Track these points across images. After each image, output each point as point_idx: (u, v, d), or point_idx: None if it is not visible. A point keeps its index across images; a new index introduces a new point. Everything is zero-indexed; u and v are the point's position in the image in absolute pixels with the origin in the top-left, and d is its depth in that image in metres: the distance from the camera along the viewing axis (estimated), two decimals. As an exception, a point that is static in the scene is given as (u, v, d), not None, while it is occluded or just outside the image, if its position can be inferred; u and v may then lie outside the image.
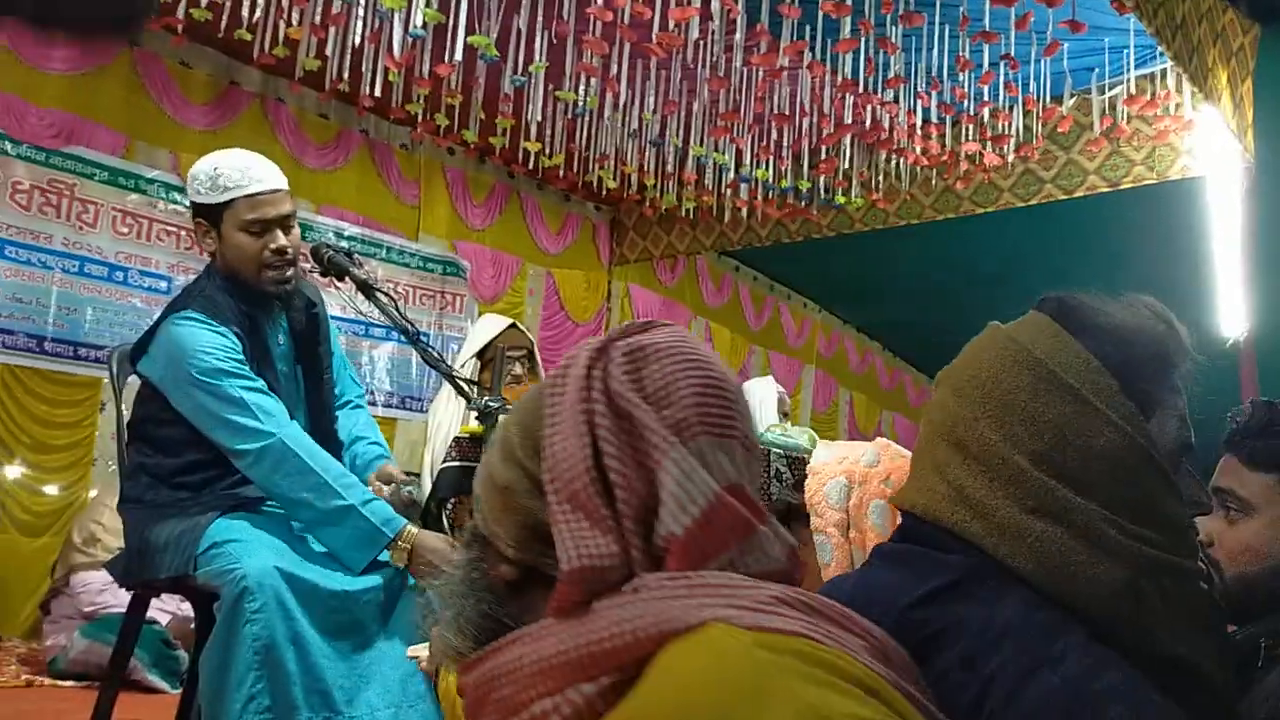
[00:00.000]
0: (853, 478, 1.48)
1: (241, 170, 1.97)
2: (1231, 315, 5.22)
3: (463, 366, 3.60)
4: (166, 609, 3.68)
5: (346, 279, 2.12)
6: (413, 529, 1.92)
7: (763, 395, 4.71)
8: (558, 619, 0.70)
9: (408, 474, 2.44)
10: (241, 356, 1.95)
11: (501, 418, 0.92)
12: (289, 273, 2.02)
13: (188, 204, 2.08)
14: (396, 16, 3.66)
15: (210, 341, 1.92)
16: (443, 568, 1.76)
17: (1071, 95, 4.94)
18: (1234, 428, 1.25)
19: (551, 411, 0.76)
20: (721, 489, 0.72)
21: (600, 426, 0.73)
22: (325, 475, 1.89)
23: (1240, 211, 4.93)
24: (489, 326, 3.73)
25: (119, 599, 3.41)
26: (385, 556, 1.92)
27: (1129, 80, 4.64)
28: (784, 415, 4.79)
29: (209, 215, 1.99)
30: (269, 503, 2.03)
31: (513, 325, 3.75)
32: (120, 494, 2.06)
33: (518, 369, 3.66)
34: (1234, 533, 1.20)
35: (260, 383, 1.96)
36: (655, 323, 0.81)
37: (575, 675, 0.67)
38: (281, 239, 1.99)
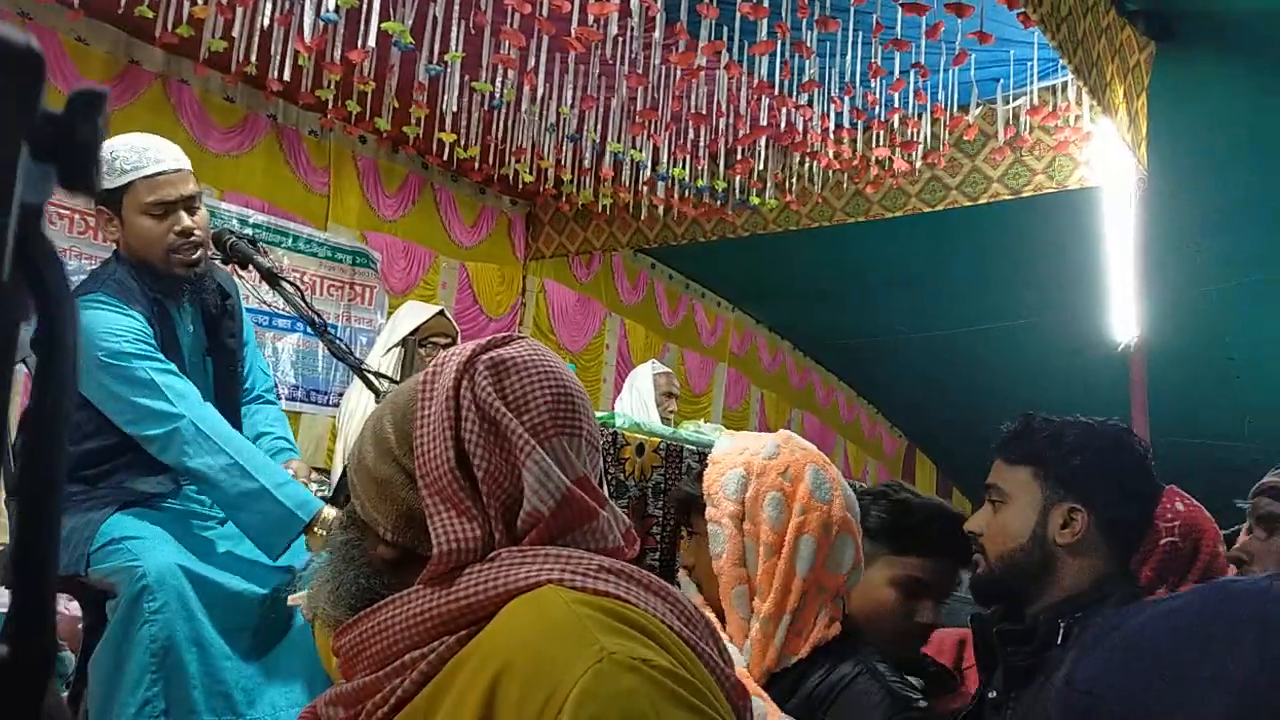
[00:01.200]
0: (751, 469, 1.49)
1: (139, 151, 1.89)
2: (1123, 321, 5.44)
3: (385, 355, 3.52)
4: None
5: (250, 267, 2.05)
6: (329, 512, 1.85)
7: (640, 384, 4.71)
8: (426, 586, 0.84)
9: (315, 469, 2.38)
10: (151, 340, 1.87)
11: (375, 409, 0.98)
12: (196, 255, 1.94)
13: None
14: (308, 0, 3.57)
15: (119, 324, 1.83)
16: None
17: (978, 105, 5.08)
18: (1001, 435, 1.47)
19: (422, 416, 0.89)
20: (571, 482, 0.87)
21: (469, 431, 0.87)
22: (238, 457, 1.82)
23: (1133, 221, 5.15)
24: (413, 314, 3.64)
25: (1, 599, 3.24)
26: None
27: (1032, 91, 4.80)
28: (669, 395, 4.74)
29: (108, 201, 1.89)
30: (169, 501, 1.95)
31: (440, 312, 3.68)
32: (5, 487, 1.96)
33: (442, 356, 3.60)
34: (996, 520, 1.42)
35: (171, 365, 1.88)
36: (513, 336, 0.96)
37: (439, 629, 0.82)
38: (186, 220, 1.90)
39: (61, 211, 4.72)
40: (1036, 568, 1.36)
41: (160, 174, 1.89)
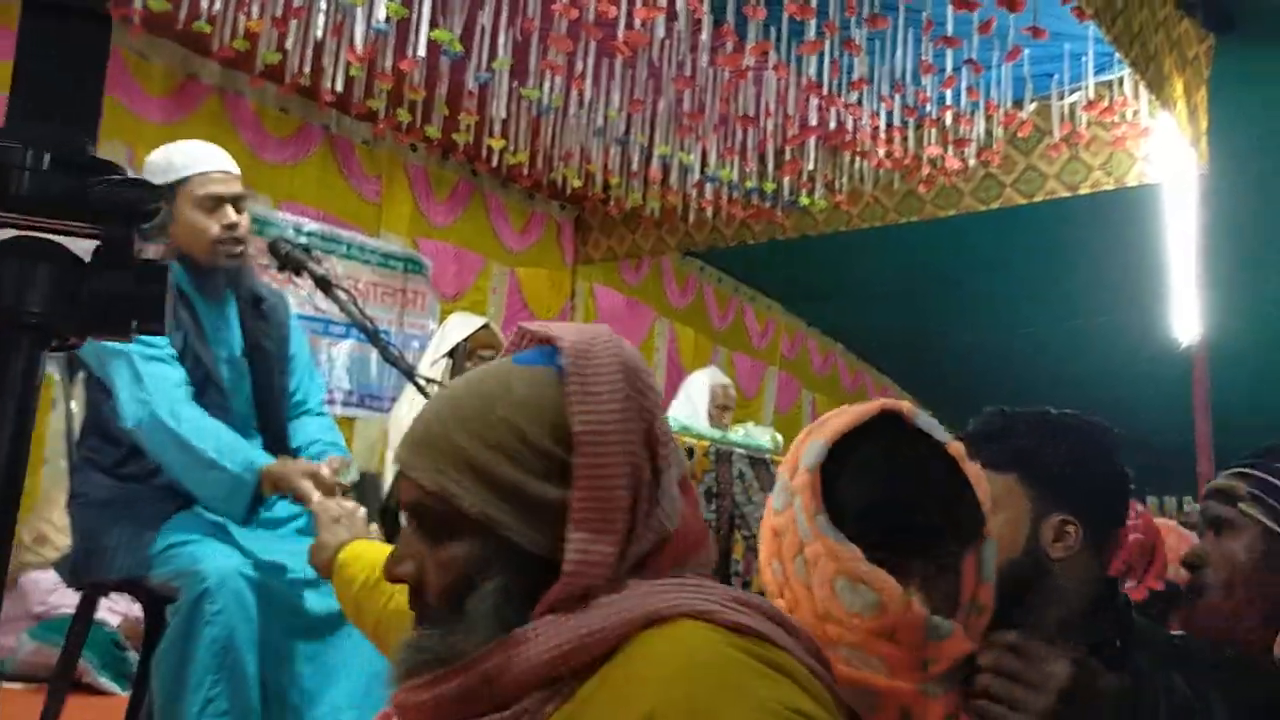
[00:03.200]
0: None
1: (192, 153, 2.04)
2: (1185, 320, 5.31)
3: (433, 365, 3.57)
4: (117, 610, 3.62)
5: (304, 274, 2.09)
6: (271, 466, 1.88)
7: (695, 392, 4.65)
8: (554, 614, 0.76)
9: (364, 474, 2.41)
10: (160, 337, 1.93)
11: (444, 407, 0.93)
12: (239, 250, 2.04)
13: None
14: (359, 11, 3.62)
15: None
16: (301, 486, 1.78)
17: (1032, 101, 4.99)
18: (971, 434, 1.35)
19: (599, 424, 0.79)
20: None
21: (644, 449, 0.80)
22: (187, 435, 1.86)
23: (1194, 218, 5.02)
24: (462, 325, 3.70)
25: (69, 600, 3.33)
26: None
27: (1088, 86, 4.70)
28: (724, 409, 4.65)
29: (161, 195, 1.97)
30: None
31: (485, 325, 3.73)
32: (70, 491, 2.02)
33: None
34: None
35: (164, 351, 1.92)
36: (583, 327, 0.91)
37: (569, 663, 0.74)
38: (233, 215, 2.02)
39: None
40: (1028, 583, 1.29)
41: (212, 172, 2.02)
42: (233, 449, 1.90)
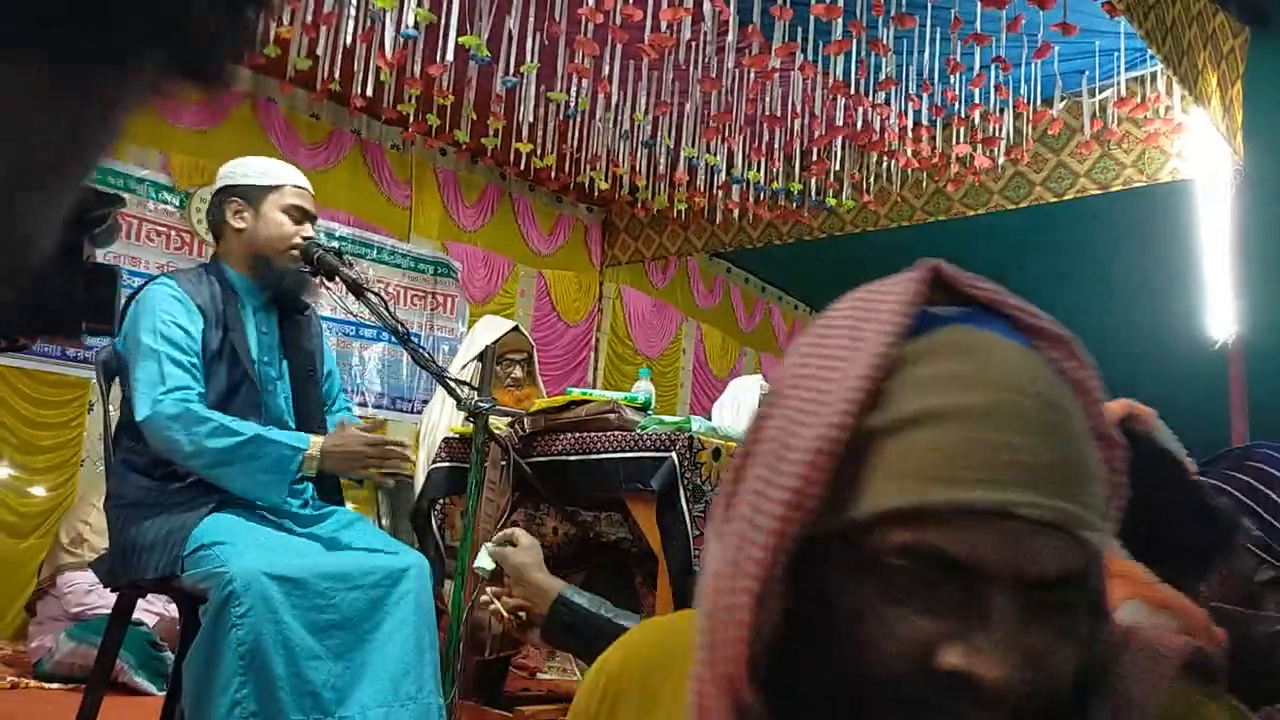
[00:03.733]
0: None
1: (287, 169, 2.23)
2: (1220, 317, 5.23)
3: (463, 369, 3.59)
4: (154, 610, 3.66)
5: (337, 279, 2.13)
6: (316, 439, 2.01)
7: (744, 397, 4.59)
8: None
9: (397, 480, 2.44)
10: (192, 329, 2.00)
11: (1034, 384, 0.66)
12: (305, 260, 2.17)
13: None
14: (388, 16, 3.65)
15: (168, 306, 2.01)
16: (362, 451, 1.84)
17: (1062, 98, 4.94)
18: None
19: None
20: None
21: None
22: (222, 421, 1.93)
23: (1230, 214, 4.95)
24: (491, 329, 3.72)
25: (106, 600, 3.38)
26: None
27: (1119, 83, 4.65)
28: None
29: (249, 195, 2.14)
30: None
31: (515, 328, 3.75)
32: (106, 493, 2.05)
33: (517, 372, 3.66)
34: None
35: (191, 354, 1.96)
36: None
37: None
38: (310, 230, 2.19)
39: (159, 229, 4.91)
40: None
41: (304, 189, 2.22)
42: (273, 429, 2.01)
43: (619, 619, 1.60)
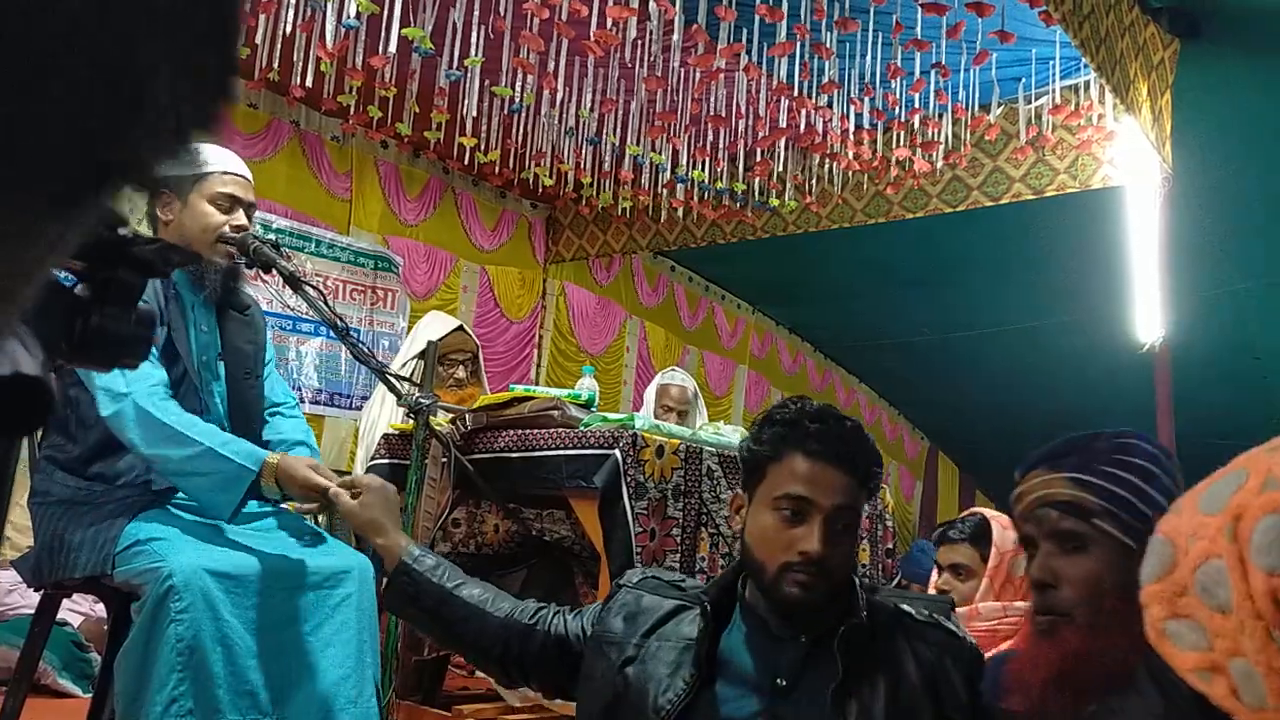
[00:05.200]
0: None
1: (221, 153, 2.08)
2: (1147, 321, 5.39)
3: (403, 366, 3.54)
4: (79, 610, 3.56)
5: (274, 272, 2.07)
6: (273, 457, 1.90)
7: (648, 393, 4.32)
8: None
9: (337, 471, 2.39)
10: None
11: None
12: (238, 251, 2.06)
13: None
14: (329, 6, 3.60)
15: None
16: (311, 477, 1.79)
17: (999, 104, 5.05)
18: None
19: None
20: None
21: None
22: (179, 427, 1.85)
23: (1157, 220, 5.10)
24: (435, 326, 3.67)
25: (28, 600, 3.28)
26: (273, 496, 1.93)
27: (1054, 90, 4.77)
28: (666, 410, 4.13)
29: (176, 185, 2.03)
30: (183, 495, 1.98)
31: (460, 328, 3.70)
32: (30, 489, 1.99)
33: (460, 372, 3.61)
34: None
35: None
36: None
37: None
38: (243, 218, 2.05)
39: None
40: None
41: (236, 174, 2.08)
42: (230, 441, 1.90)
43: (463, 588, 1.60)
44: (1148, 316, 5.38)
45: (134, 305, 0.65)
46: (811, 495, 1.36)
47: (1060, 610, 1.19)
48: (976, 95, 4.83)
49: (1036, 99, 5.11)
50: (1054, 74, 4.69)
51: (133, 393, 1.85)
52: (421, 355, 3.48)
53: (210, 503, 1.88)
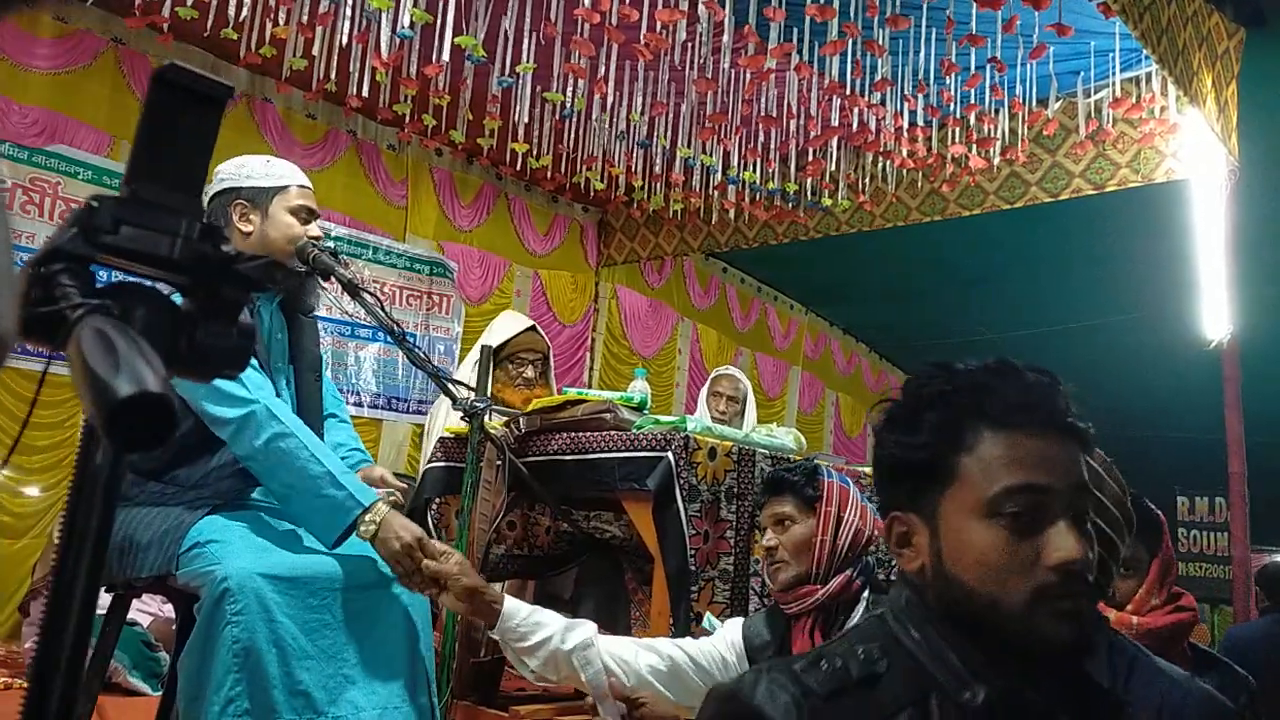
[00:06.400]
0: None
1: (291, 169, 2.19)
2: (1215, 317, 5.24)
3: (474, 365, 3.58)
4: (148, 610, 3.66)
5: (332, 279, 2.12)
6: (383, 506, 1.89)
7: (701, 394, 4.49)
8: None
9: (398, 475, 2.43)
10: None
11: None
12: (313, 260, 2.16)
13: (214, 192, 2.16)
14: (384, 16, 3.65)
15: None
16: (399, 549, 1.81)
17: (1057, 98, 4.96)
18: None
19: None
20: None
21: None
22: (306, 442, 1.88)
23: (1224, 214, 4.96)
24: (508, 324, 3.70)
25: (100, 600, 3.37)
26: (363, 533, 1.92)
27: (1114, 83, 4.67)
28: (717, 395, 4.36)
29: (256, 197, 2.11)
30: (253, 498, 2.02)
31: (532, 327, 3.73)
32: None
33: (530, 372, 3.64)
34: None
35: (252, 359, 1.96)
36: None
37: None
38: (317, 230, 2.16)
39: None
40: None
41: (308, 188, 2.19)
42: (352, 477, 1.92)
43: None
44: (1215, 312, 5.23)
45: (237, 320, 0.69)
46: (1048, 481, 0.94)
47: None
48: (1034, 89, 4.74)
49: (1096, 92, 5.00)
50: (1114, 67, 4.59)
51: (260, 397, 1.90)
52: (496, 351, 3.50)
53: (314, 526, 1.90)
